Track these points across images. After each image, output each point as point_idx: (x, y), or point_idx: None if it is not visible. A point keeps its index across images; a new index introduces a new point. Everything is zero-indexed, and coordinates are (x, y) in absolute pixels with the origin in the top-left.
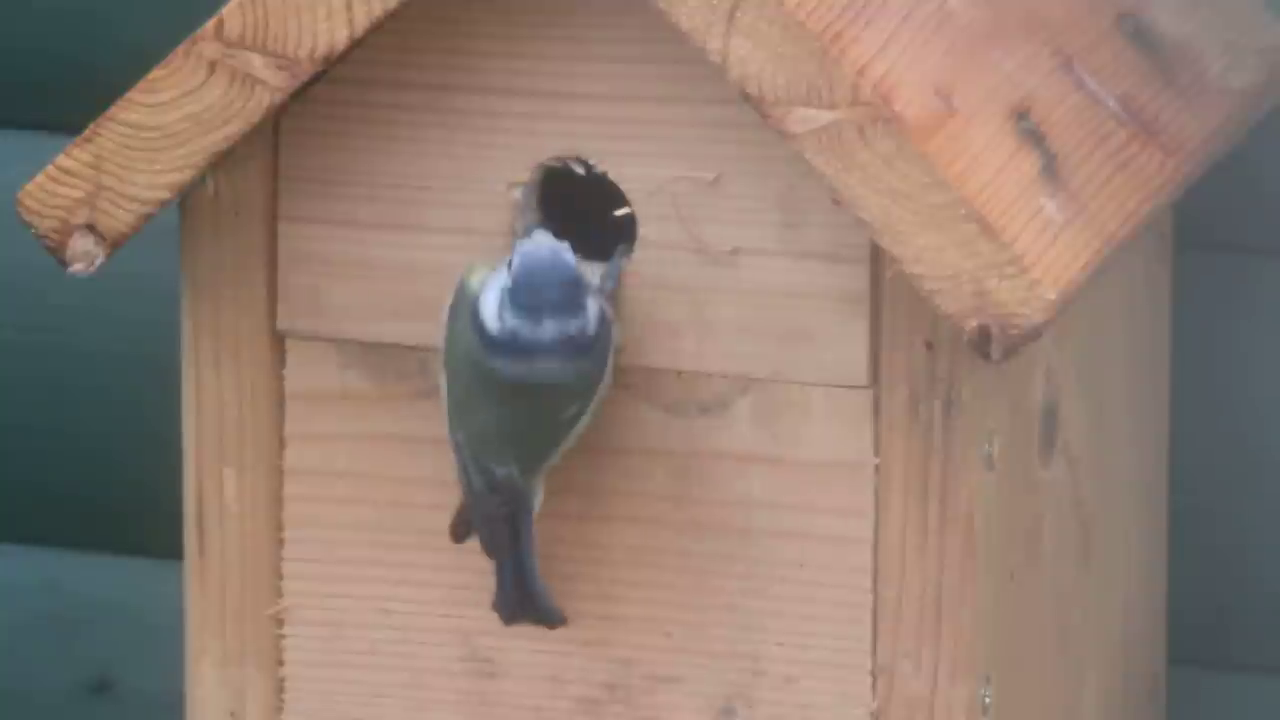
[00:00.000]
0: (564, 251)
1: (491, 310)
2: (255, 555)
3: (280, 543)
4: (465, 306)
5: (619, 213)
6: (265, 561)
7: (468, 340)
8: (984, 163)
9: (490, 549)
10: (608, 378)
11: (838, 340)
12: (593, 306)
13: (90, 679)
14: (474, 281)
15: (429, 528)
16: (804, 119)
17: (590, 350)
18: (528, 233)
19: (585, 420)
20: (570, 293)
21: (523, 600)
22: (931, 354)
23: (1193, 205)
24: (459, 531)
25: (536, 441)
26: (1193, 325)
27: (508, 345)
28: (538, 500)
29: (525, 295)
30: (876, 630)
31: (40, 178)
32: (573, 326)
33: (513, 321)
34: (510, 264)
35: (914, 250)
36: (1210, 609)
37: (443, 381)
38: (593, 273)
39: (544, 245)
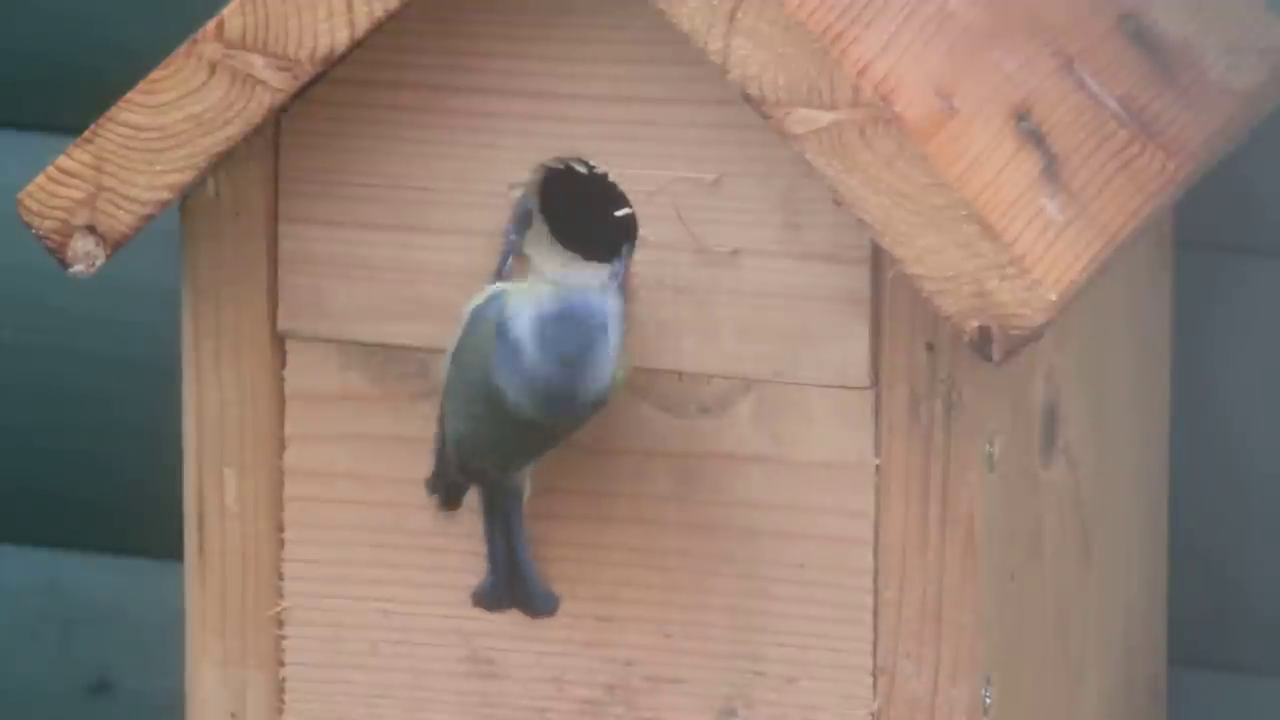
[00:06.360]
0: (599, 303)
1: (527, 354)
2: (255, 556)
3: (280, 543)
4: (491, 335)
5: (620, 213)
6: (265, 562)
7: (488, 369)
8: (985, 163)
9: (442, 505)
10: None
11: (839, 341)
12: (611, 353)
13: (90, 679)
14: (510, 313)
15: (429, 528)
16: (805, 120)
17: (606, 402)
18: (521, 220)
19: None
20: (603, 350)
21: (513, 585)
22: (932, 355)
23: (1193, 205)
24: (433, 484)
25: (522, 455)
26: (1193, 325)
27: (542, 395)
28: (525, 490)
29: (560, 345)
30: (877, 630)
31: (40, 178)
32: (600, 387)
33: (546, 371)
34: (546, 307)
35: (915, 251)
36: (1210, 609)
37: (446, 370)
38: (596, 274)
39: (582, 295)
